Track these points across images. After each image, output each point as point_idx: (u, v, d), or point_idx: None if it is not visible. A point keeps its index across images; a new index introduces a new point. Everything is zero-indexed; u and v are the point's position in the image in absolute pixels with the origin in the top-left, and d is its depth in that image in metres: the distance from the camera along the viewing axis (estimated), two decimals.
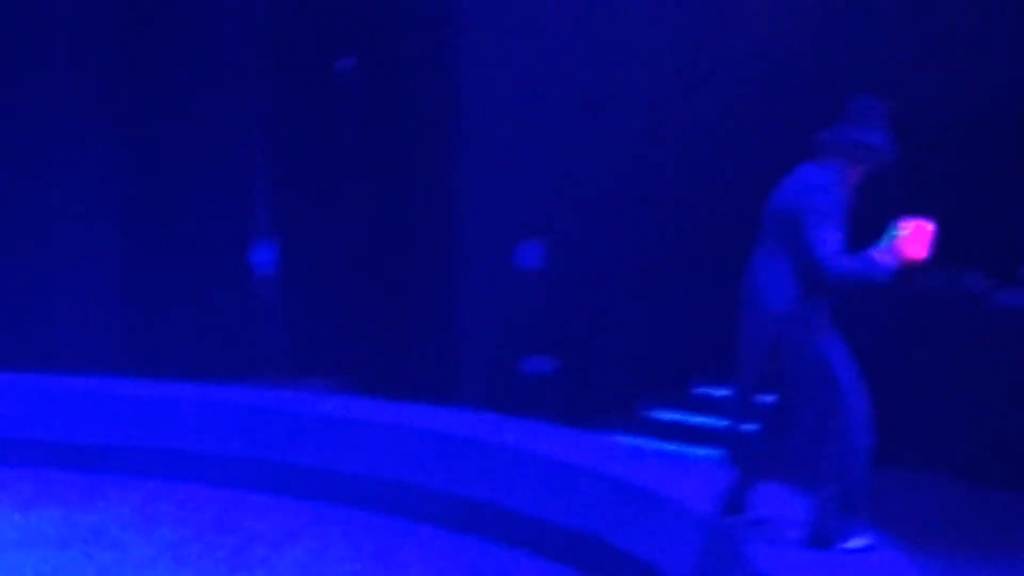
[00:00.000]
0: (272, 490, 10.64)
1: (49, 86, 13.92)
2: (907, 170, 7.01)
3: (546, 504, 9.32)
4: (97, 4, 14.04)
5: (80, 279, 13.94)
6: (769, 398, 7.11)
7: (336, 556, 9.30)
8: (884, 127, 6.98)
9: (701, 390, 12.23)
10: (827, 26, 12.72)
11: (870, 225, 6.89)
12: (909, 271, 6.98)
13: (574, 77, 13.20)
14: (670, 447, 11.64)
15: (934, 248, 6.82)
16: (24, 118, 13.82)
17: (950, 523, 9.88)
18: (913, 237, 6.74)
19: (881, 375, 7.21)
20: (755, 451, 7.21)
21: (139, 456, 11.16)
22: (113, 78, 14.14)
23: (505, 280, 13.14)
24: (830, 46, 12.61)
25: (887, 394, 7.33)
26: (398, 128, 13.67)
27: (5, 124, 13.82)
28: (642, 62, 13.18)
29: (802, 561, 6.87)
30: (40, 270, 13.79)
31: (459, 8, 13.19)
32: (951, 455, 10.93)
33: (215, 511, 10.32)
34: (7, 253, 13.82)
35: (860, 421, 6.87)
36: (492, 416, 10.93)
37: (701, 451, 10.89)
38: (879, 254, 6.76)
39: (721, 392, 10.98)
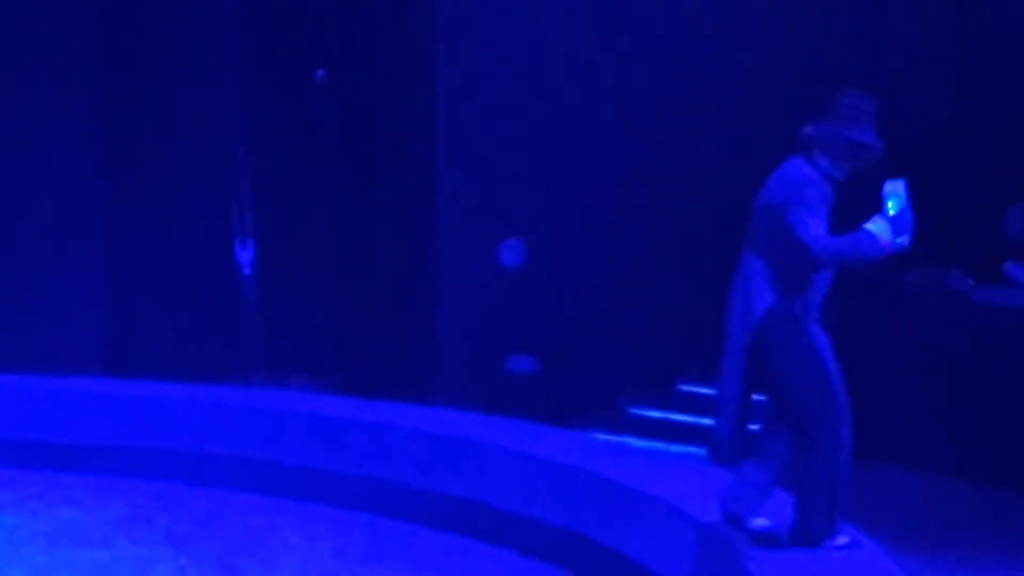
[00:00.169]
0: (258, 489, 10.65)
1: (35, 89, 13.88)
2: (888, 167, 7.00)
3: (531, 502, 9.32)
4: (84, 13, 14.03)
5: (63, 279, 13.88)
6: (758, 397, 7.10)
7: (322, 554, 9.32)
8: (873, 125, 6.96)
9: (685, 388, 12.25)
10: (806, 21, 12.71)
11: (851, 222, 6.88)
12: (895, 263, 6.99)
13: (554, 76, 13.20)
14: (654, 445, 11.69)
15: (914, 240, 6.82)
16: (9, 119, 13.79)
17: (930, 520, 9.87)
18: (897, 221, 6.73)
19: (861, 372, 7.22)
20: (732, 447, 7.18)
21: (126, 456, 11.14)
22: (100, 83, 14.13)
23: (487, 279, 13.12)
24: (810, 40, 12.60)
25: (866, 391, 7.35)
26: (379, 129, 13.68)
27: None
28: (625, 61, 13.19)
29: (788, 559, 6.90)
30: (22, 270, 13.74)
31: (439, 8, 13.20)
32: (932, 453, 10.91)
33: (204, 510, 10.33)
34: None
35: (847, 419, 6.90)
36: (476, 415, 10.92)
37: (685, 449, 10.92)
38: (868, 232, 6.73)
39: (705, 390, 11.01)
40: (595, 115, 13.21)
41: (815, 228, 6.71)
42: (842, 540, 6.99)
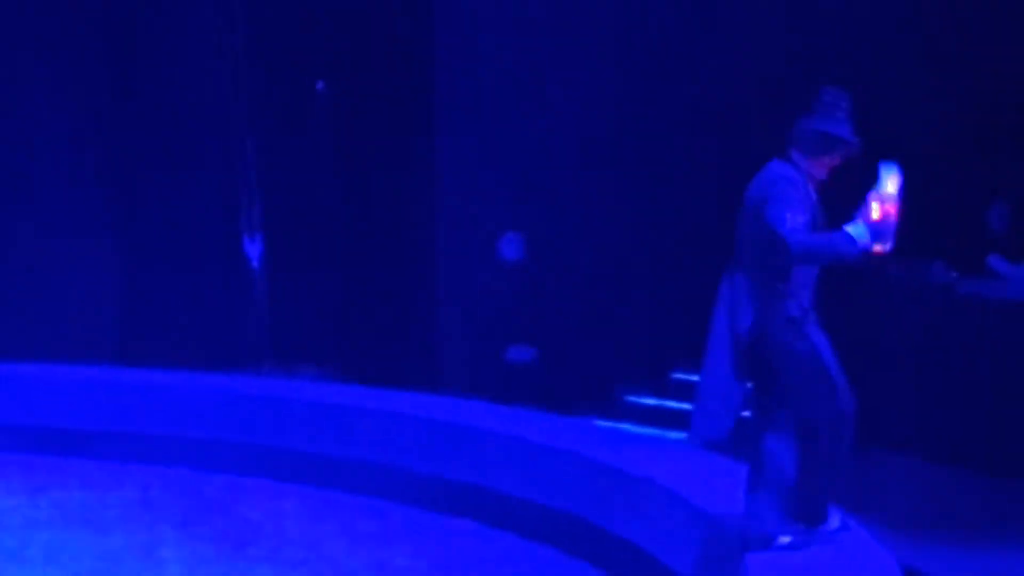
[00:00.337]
0: (265, 475, 10.76)
1: (45, 90, 14.02)
2: (871, 162, 7.03)
3: (530, 486, 9.47)
4: (91, 20, 14.15)
5: (76, 272, 14.00)
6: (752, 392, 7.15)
7: (329, 538, 9.43)
8: (848, 119, 6.98)
9: (679, 376, 12.26)
10: (798, 21, 12.73)
11: (834, 218, 6.94)
12: (876, 260, 6.95)
13: (552, 73, 13.24)
14: (649, 431, 11.77)
15: (897, 237, 6.82)
16: (18, 118, 13.91)
17: (918, 506, 9.90)
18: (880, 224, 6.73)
19: (845, 364, 7.16)
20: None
21: (137, 442, 11.28)
22: (111, 79, 14.25)
23: (487, 271, 13.24)
24: (803, 41, 12.58)
25: (853, 383, 7.27)
26: (382, 125, 13.69)
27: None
28: (622, 58, 13.26)
29: (788, 558, 6.93)
30: (37, 262, 13.85)
31: (436, 1, 13.24)
32: (918, 440, 10.96)
33: (213, 495, 10.44)
34: (1, 246, 13.92)
35: (850, 418, 6.98)
36: (477, 402, 11.00)
37: (679, 435, 10.95)
38: (846, 233, 6.73)
39: (698, 379, 11.04)
40: (592, 112, 13.24)
41: (792, 222, 6.73)
42: (835, 522, 7.09)
